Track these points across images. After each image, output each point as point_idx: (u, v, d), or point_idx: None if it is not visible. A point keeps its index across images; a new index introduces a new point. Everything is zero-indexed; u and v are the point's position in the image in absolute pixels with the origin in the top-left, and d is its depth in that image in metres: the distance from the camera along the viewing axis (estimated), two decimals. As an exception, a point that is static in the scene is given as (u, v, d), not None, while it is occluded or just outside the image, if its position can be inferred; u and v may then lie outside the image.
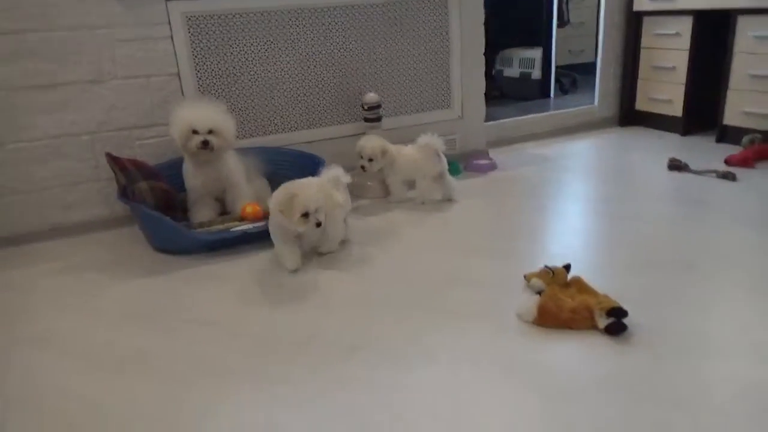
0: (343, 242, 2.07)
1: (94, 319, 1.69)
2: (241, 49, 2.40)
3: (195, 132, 2.02)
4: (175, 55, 2.30)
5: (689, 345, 1.40)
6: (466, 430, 1.17)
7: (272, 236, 1.91)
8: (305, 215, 1.79)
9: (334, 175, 1.96)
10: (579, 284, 1.65)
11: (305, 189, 1.81)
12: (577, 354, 1.40)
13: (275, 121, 2.55)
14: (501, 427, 1.18)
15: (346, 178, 1.99)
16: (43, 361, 1.50)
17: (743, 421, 1.16)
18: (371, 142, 2.39)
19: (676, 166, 2.69)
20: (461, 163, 2.84)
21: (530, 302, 1.54)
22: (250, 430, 1.21)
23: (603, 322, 1.47)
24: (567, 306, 1.52)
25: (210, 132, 2.03)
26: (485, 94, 2.99)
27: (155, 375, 1.41)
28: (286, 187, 1.83)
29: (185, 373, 1.41)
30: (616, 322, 1.46)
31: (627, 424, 1.16)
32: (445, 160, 2.39)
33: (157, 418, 1.26)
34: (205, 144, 2.02)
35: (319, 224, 1.82)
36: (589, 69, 3.74)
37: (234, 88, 2.43)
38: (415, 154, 2.39)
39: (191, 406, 1.29)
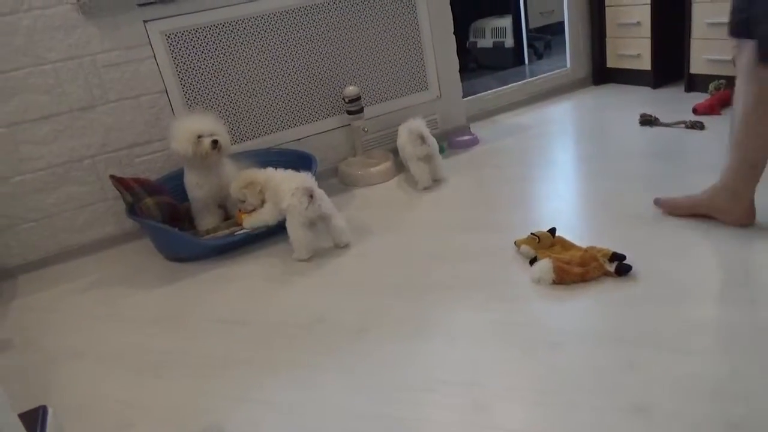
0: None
1: (123, 327, 1.85)
2: (222, 59, 2.50)
3: (200, 137, 2.14)
4: (160, 73, 2.41)
5: (676, 291, 1.54)
6: (480, 392, 1.33)
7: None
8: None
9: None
10: (562, 243, 1.82)
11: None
12: (568, 310, 1.56)
13: (263, 124, 2.67)
14: (517, 382, 1.34)
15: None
16: (83, 372, 1.65)
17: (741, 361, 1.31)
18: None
19: (647, 120, 2.82)
20: (444, 141, 2.97)
21: (544, 267, 1.67)
22: (284, 410, 1.37)
23: (610, 266, 1.64)
24: (574, 261, 1.67)
25: (212, 135, 2.16)
26: (462, 66, 3.10)
27: (188, 371, 1.57)
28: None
29: (216, 367, 1.57)
30: (622, 264, 1.63)
31: (636, 368, 1.33)
32: (432, 141, 2.48)
33: (198, 410, 1.42)
34: (215, 143, 2.14)
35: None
36: (562, 29, 3.81)
37: (220, 98, 2.55)
38: (403, 139, 2.52)
39: (226, 396, 1.45)
